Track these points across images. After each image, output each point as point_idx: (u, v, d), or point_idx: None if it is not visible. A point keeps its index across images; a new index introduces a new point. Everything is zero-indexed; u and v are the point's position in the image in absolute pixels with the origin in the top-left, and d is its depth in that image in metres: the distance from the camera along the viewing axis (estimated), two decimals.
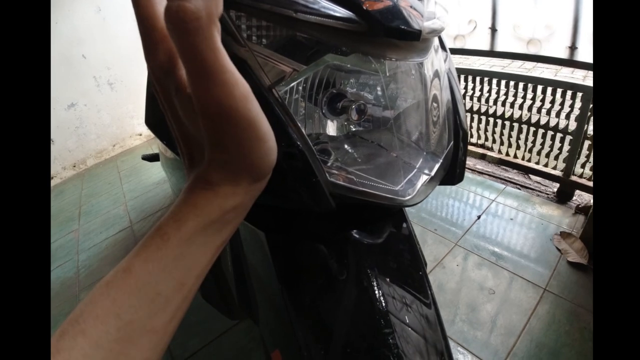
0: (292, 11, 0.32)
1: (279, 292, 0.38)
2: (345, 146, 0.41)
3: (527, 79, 1.64)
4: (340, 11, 0.32)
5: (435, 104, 0.43)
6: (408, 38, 0.33)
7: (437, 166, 0.43)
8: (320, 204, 0.34)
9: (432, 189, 0.42)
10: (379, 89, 0.40)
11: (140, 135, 3.29)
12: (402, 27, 0.33)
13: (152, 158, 1.68)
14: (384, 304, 0.38)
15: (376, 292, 0.38)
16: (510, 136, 1.83)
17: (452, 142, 0.45)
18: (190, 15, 0.18)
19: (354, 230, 0.41)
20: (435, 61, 0.44)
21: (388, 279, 0.41)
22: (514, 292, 1.28)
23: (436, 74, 0.44)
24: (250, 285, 0.50)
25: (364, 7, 0.32)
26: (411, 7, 0.35)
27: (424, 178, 0.41)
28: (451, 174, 0.46)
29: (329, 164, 0.38)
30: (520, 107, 1.71)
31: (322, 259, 0.39)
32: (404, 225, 0.48)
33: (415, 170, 0.41)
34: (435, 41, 0.46)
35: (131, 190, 2.45)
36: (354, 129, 0.43)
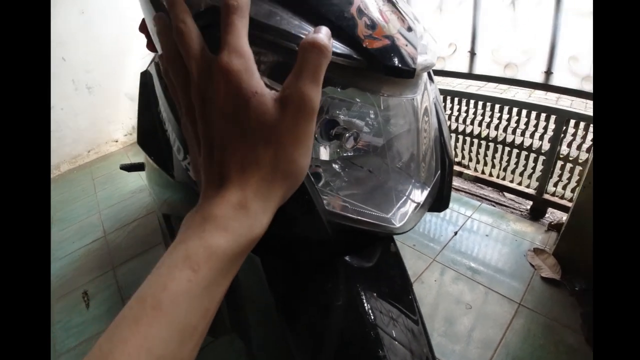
0: (295, 45, 0.33)
1: (275, 316, 0.38)
2: (337, 170, 0.43)
3: (503, 101, 1.71)
4: (341, 48, 0.34)
5: (425, 134, 0.45)
6: (404, 76, 0.35)
7: (426, 194, 0.44)
8: (318, 232, 0.35)
9: (421, 216, 0.44)
10: (372, 116, 0.42)
11: (117, 141, 3.21)
12: (399, 65, 0.34)
13: (131, 168, 1.62)
14: (378, 330, 0.38)
15: (371, 317, 0.39)
16: (486, 155, 1.90)
17: (439, 171, 0.47)
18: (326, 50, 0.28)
19: (347, 256, 0.42)
20: (425, 93, 0.46)
21: (381, 304, 0.42)
22: (490, 307, 1.32)
23: (425, 105, 0.46)
24: (242, 307, 0.50)
25: (364, 45, 0.34)
26: (406, 45, 0.37)
27: (414, 206, 0.43)
28: (438, 202, 0.47)
29: (320, 185, 0.39)
30: (496, 128, 1.78)
31: (317, 283, 0.40)
32: (393, 247, 0.49)
33: (406, 198, 0.43)
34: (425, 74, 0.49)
35: (106, 198, 2.38)
36: (344, 154, 0.44)
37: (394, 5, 0.43)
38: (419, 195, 0.44)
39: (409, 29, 0.42)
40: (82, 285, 1.62)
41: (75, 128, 2.91)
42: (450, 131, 1.93)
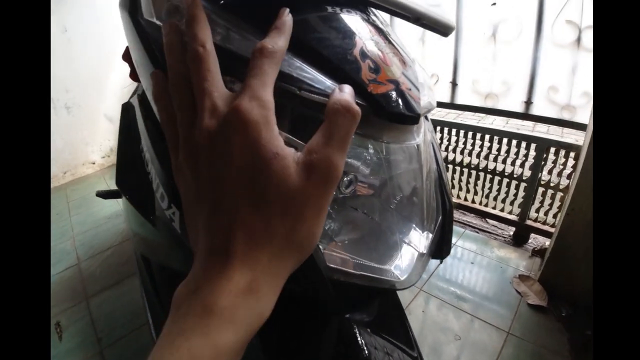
0: (296, 88, 0.31)
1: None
2: (334, 215, 0.40)
3: (485, 130, 1.75)
4: None
5: (425, 178, 0.44)
6: (408, 122, 0.34)
7: (429, 241, 0.42)
8: (319, 290, 0.33)
9: (425, 266, 0.42)
10: (372, 159, 0.40)
11: (94, 164, 3.10)
12: (404, 111, 0.33)
13: (108, 195, 1.53)
14: None
15: (365, 352, 0.36)
16: (468, 182, 1.92)
17: (440, 216, 0.46)
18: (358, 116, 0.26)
19: (347, 314, 0.39)
20: (424, 135, 0.45)
21: (375, 340, 0.40)
22: (479, 336, 1.30)
23: (426, 148, 0.45)
24: None
25: (369, 90, 0.32)
26: (410, 89, 0.36)
27: (417, 255, 0.41)
28: (439, 248, 0.45)
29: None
30: (478, 156, 1.81)
31: (315, 342, 0.37)
32: (393, 298, 0.46)
33: (408, 246, 0.41)
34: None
35: (80, 223, 2.27)
36: (341, 195, 0.42)
37: (392, 44, 0.42)
38: (422, 242, 0.42)
39: (409, 69, 0.41)
40: (55, 316, 1.53)
41: (52, 148, 2.81)
42: None
